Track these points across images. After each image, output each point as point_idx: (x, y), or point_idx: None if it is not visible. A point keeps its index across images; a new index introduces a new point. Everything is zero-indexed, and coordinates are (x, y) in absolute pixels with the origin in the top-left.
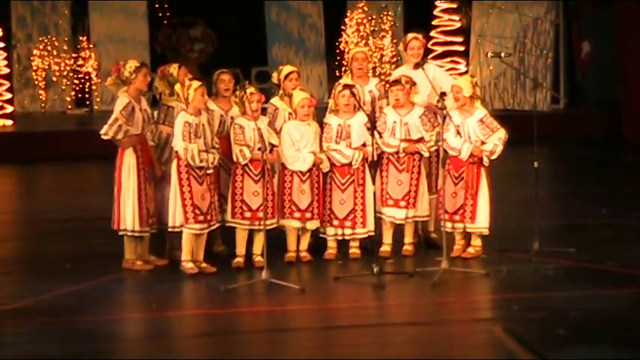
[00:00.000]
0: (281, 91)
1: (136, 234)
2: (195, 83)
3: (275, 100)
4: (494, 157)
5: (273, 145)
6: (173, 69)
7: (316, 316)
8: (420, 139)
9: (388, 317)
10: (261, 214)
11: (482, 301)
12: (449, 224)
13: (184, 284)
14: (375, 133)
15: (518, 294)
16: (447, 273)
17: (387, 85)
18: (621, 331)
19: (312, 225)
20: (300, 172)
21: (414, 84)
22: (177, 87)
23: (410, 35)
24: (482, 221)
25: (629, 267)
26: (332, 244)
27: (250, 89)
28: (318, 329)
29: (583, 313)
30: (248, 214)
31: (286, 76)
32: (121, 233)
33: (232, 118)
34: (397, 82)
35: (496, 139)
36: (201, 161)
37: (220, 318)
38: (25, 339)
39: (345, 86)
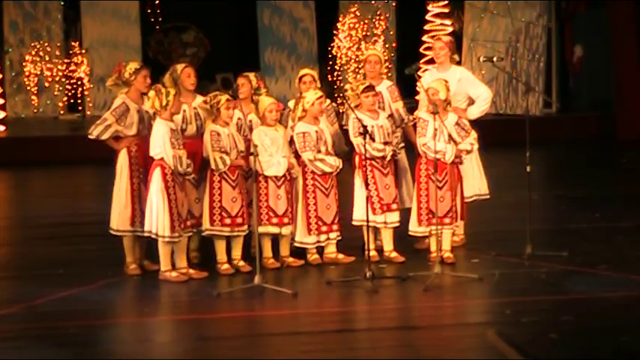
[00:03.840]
0: (298, 94)
1: (127, 234)
2: (172, 90)
3: (292, 103)
4: (468, 155)
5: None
6: (179, 66)
7: (309, 320)
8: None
9: (381, 322)
10: (240, 220)
11: (475, 305)
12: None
13: (177, 289)
14: (367, 137)
15: (511, 298)
16: (439, 277)
17: (359, 92)
18: (614, 335)
19: (287, 230)
20: (275, 177)
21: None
22: (152, 93)
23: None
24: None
25: (621, 271)
26: (313, 250)
27: (225, 96)
28: (310, 333)
29: (575, 317)
30: (228, 221)
31: (300, 79)
32: (112, 232)
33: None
34: (370, 87)
35: (472, 139)
36: (187, 166)
37: (213, 323)
38: (17, 344)
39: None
